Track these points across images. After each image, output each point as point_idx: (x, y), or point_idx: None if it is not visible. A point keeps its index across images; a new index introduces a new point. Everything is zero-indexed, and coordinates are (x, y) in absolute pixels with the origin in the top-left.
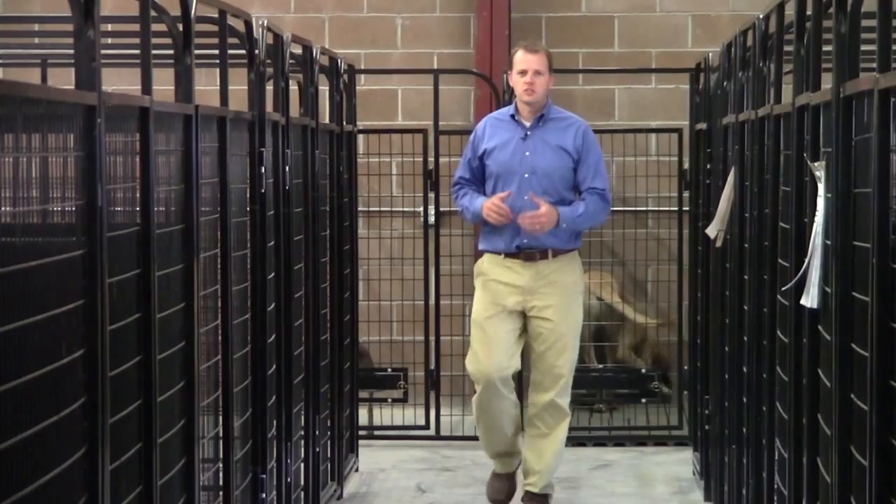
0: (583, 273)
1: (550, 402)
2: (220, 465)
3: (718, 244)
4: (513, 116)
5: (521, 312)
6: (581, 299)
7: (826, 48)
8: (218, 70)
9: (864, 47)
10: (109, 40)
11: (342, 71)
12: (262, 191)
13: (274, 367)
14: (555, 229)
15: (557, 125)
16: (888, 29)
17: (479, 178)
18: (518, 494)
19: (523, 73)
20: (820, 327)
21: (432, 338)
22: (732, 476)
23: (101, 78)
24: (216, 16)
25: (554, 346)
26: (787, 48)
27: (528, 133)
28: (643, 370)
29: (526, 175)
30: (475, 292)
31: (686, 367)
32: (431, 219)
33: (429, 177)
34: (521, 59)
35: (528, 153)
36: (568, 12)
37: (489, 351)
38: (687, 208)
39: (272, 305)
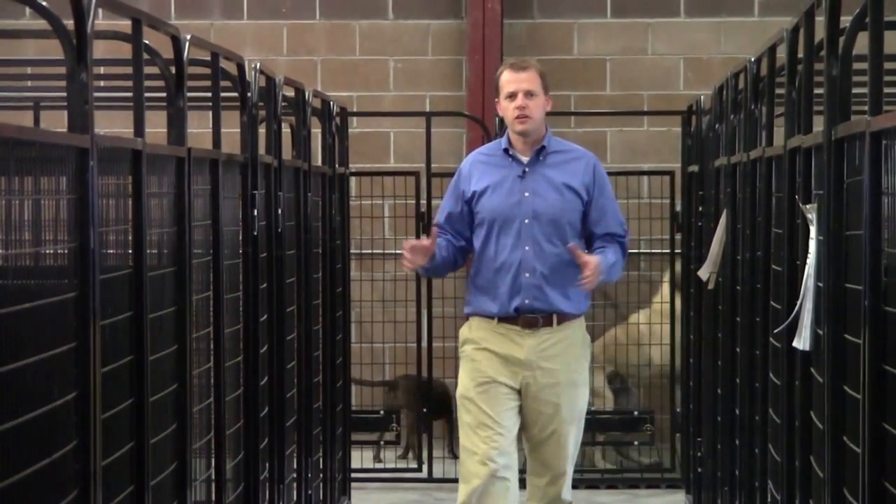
0: (590, 344)
1: (554, 497)
2: None
3: (710, 286)
4: (506, 151)
5: (517, 390)
6: (588, 376)
7: (818, 91)
8: (210, 112)
9: (855, 90)
10: (102, 83)
11: (334, 113)
12: (255, 233)
13: (266, 409)
14: (574, 276)
15: (561, 159)
16: (880, 71)
17: (462, 227)
18: None
19: (512, 96)
20: (812, 369)
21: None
22: None
23: (93, 120)
24: (209, 58)
25: (555, 434)
26: (779, 91)
27: (527, 170)
28: (636, 413)
29: (526, 221)
30: (461, 364)
31: (679, 409)
32: None
33: (421, 219)
34: (509, 79)
35: (527, 194)
36: (560, 55)
37: (488, 430)
38: (679, 250)
39: (265, 348)
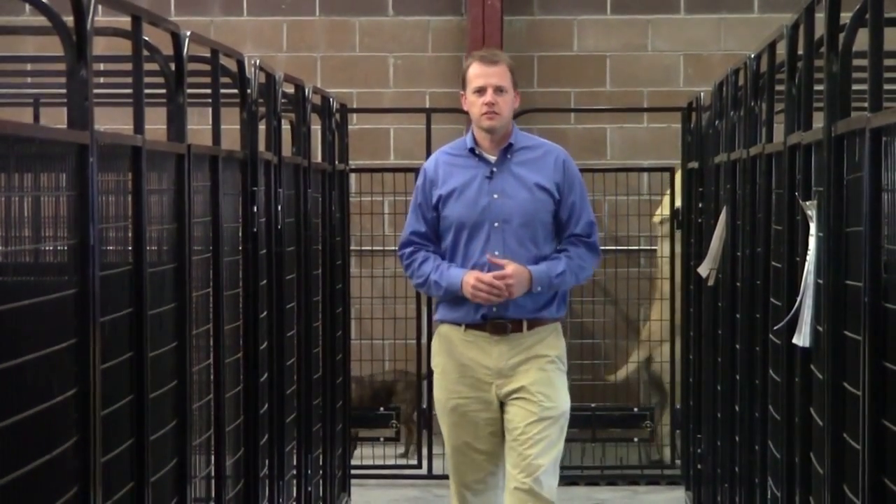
0: (565, 350)
1: (528, 492)
2: None
3: (710, 283)
4: (472, 150)
5: (494, 403)
6: (565, 379)
7: (818, 87)
8: (210, 109)
9: (855, 86)
10: (102, 79)
11: (334, 110)
12: (255, 230)
13: (266, 405)
14: (528, 294)
15: (530, 156)
16: (880, 68)
17: (437, 233)
18: None
19: (481, 90)
20: (812, 366)
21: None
22: None
23: (93, 117)
24: (208, 55)
25: (527, 432)
26: (779, 87)
27: (495, 170)
28: (636, 409)
29: (496, 225)
30: (434, 380)
31: (679, 406)
32: None
33: None
34: (478, 73)
35: (496, 196)
36: (560, 52)
37: (463, 458)
38: (679, 247)
39: (264, 344)
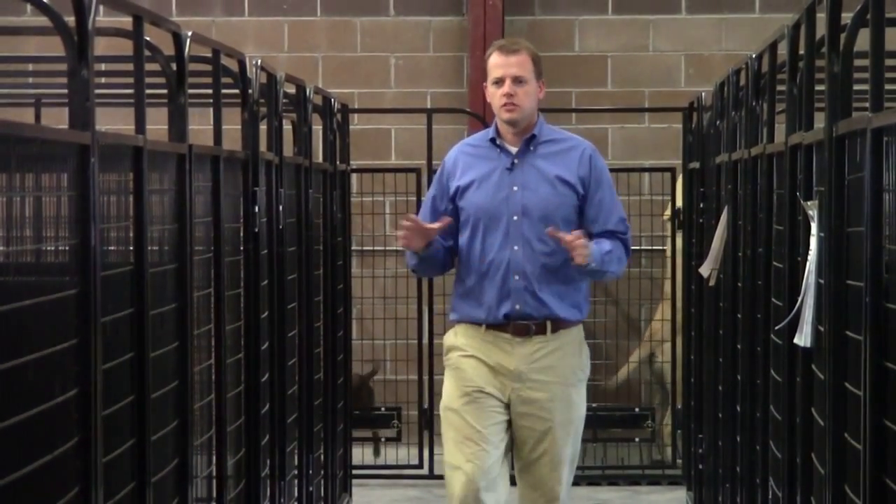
0: (588, 355)
1: None
2: None
3: (712, 283)
4: (493, 141)
5: (506, 404)
6: (584, 389)
7: (819, 87)
8: (211, 109)
9: (856, 86)
10: (103, 80)
11: (336, 110)
12: (256, 230)
13: (267, 405)
14: (570, 279)
15: (554, 149)
16: (881, 68)
17: (450, 226)
18: None
19: (500, 81)
20: (813, 366)
21: (426, 377)
22: None
23: (94, 117)
24: (210, 55)
25: (547, 454)
26: (780, 87)
27: (516, 161)
28: (637, 409)
29: (515, 218)
30: (445, 373)
31: (680, 406)
32: None
33: None
34: (497, 63)
35: (516, 188)
36: (561, 51)
37: (473, 446)
38: (678, 247)
39: (266, 344)
